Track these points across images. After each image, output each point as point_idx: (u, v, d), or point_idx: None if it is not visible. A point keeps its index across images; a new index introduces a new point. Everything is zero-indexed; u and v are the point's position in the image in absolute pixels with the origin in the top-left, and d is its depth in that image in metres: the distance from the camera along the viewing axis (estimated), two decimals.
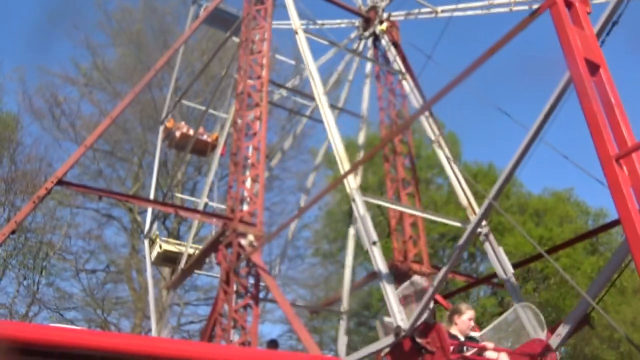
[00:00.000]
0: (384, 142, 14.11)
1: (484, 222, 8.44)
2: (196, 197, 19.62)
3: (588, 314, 7.28)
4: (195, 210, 13.41)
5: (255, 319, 11.00)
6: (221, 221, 12.20)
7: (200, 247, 13.71)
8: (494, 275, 15.65)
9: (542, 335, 7.50)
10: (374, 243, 8.45)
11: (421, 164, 24.08)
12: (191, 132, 16.18)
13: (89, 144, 12.64)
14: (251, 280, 11.54)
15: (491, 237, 10.23)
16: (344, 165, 9.82)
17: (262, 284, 11.36)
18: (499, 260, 9.56)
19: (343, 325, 13.57)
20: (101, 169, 25.07)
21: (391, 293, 8.08)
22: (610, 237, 23.75)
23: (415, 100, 14.31)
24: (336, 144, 10.23)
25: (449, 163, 13.26)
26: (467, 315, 7.16)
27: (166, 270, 20.17)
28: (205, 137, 16.68)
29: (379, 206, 23.74)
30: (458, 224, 13.39)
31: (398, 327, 7.64)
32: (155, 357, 3.77)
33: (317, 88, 11.28)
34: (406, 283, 8.72)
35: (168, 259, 15.40)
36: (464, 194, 13.34)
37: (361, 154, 15.39)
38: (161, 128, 17.41)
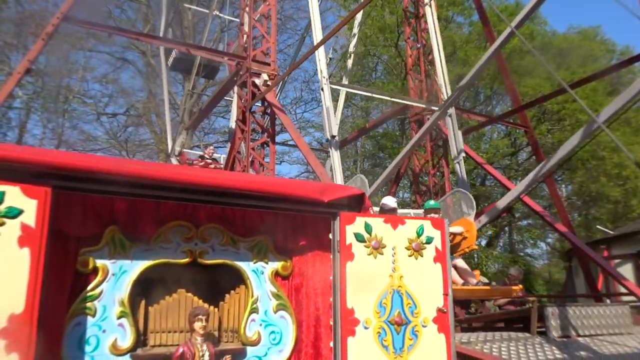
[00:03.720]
0: None
1: None
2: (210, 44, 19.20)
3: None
4: (207, 49, 13.19)
5: (272, 155, 11.45)
6: (234, 60, 12.12)
7: None
8: (509, 114, 15.71)
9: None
10: None
11: (441, 0, 22.83)
12: None
13: None
14: (267, 120, 11.80)
15: None
16: None
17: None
18: None
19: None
20: (110, 10, 24.33)
21: None
22: (634, 77, 23.03)
23: None
24: None
25: None
26: None
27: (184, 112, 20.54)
28: None
29: (395, 47, 23.15)
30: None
31: None
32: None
33: None
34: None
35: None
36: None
37: None
38: None
